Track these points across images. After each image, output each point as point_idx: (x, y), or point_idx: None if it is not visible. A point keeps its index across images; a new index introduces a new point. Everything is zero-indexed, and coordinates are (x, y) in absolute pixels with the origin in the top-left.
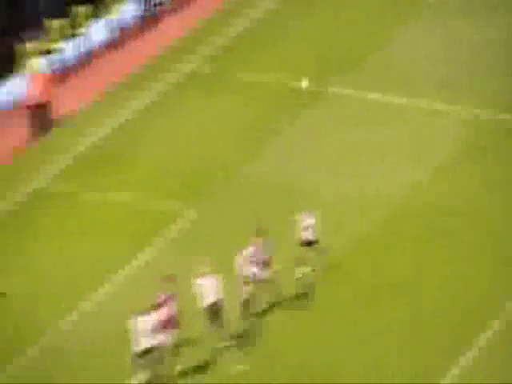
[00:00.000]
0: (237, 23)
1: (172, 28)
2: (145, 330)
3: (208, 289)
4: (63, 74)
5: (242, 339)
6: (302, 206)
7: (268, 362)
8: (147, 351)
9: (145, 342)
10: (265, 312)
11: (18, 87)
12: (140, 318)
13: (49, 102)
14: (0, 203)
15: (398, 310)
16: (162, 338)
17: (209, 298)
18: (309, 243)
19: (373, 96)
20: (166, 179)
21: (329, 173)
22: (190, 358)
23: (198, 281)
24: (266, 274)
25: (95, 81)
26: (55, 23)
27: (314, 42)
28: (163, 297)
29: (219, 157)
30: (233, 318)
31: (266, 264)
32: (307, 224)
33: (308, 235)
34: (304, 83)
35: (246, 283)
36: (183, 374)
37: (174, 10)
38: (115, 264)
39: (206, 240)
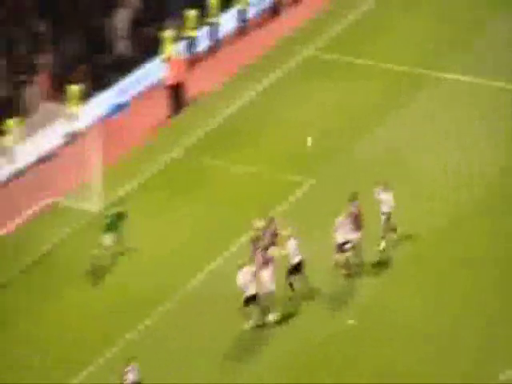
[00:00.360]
0: (351, 13)
1: (292, 18)
2: (250, 279)
3: (293, 250)
4: (196, 59)
5: (337, 298)
6: (406, 180)
7: (369, 319)
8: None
9: (251, 289)
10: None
11: (158, 70)
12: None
13: (183, 83)
14: (148, 167)
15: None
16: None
17: (294, 258)
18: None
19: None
20: (287, 154)
21: (435, 152)
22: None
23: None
24: (356, 239)
25: (223, 65)
26: (192, 13)
27: (418, 32)
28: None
29: (335, 135)
30: (327, 279)
31: (357, 230)
32: (384, 198)
33: (384, 209)
34: (309, 141)
35: (340, 247)
36: (296, 325)
37: (295, 2)
38: (240, 229)
39: (322, 209)
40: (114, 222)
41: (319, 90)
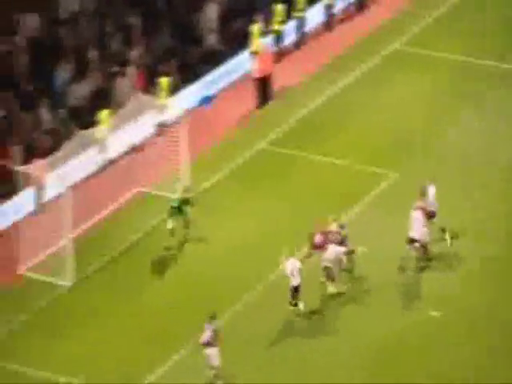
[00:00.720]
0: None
1: (378, 12)
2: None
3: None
4: (283, 52)
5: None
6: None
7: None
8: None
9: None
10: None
11: (246, 63)
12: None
13: (271, 76)
14: (234, 159)
15: None
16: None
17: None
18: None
19: None
20: (371, 146)
21: None
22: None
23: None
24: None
25: (310, 58)
26: (279, 7)
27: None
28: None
29: (417, 127)
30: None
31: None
32: (430, 193)
33: (431, 206)
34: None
35: (413, 241)
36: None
37: None
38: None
39: (405, 203)
40: (180, 208)
41: (403, 83)
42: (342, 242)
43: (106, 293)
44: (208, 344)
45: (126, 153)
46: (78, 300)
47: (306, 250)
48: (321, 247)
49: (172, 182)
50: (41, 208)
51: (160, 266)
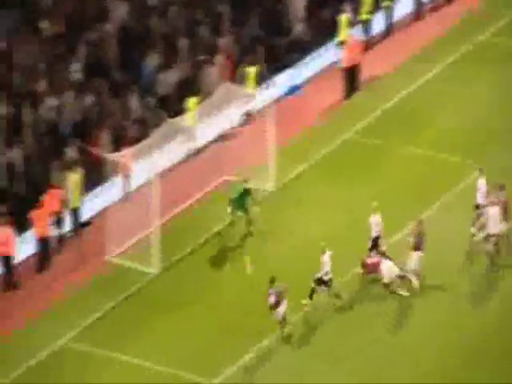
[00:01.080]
0: None
1: (467, 3)
2: None
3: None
4: (371, 42)
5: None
6: None
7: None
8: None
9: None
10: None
11: (334, 53)
12: None
13: (359, 66)
14: (320, 148)
15: None
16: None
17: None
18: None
19: None
20: (460, 137)
21: None
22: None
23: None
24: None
25: (398, 48)
26: None
27: None
28: None
29: (506, 120)
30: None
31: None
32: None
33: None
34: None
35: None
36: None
37: None
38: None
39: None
40: (240, 198)
41: (493, 73)
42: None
43: (191, 281)
44: (276, 305)
45: (213, 141)
46: (163, 288)
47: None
48: (374, 270)
49: (258, 171)
50: (128, 196)
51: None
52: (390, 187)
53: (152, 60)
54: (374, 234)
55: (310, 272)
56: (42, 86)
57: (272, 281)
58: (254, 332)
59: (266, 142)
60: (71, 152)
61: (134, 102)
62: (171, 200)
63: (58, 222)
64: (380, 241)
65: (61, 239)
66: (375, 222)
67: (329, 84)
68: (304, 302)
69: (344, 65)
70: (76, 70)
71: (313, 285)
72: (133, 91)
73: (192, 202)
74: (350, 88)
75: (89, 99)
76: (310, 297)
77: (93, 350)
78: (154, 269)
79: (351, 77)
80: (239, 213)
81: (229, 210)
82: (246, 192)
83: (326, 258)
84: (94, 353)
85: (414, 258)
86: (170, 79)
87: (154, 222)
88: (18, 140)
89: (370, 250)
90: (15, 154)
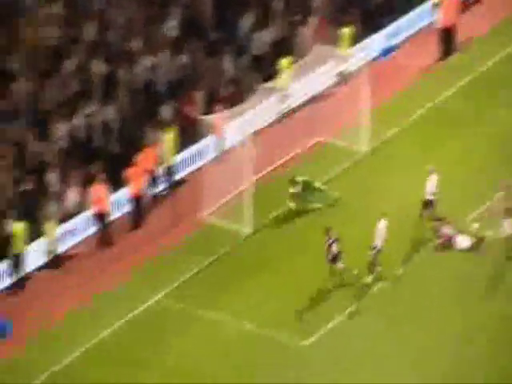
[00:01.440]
0: None
1: None
2: None
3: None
4: (466, 3)
5: None
6: None
7: None
8: None
9: None
10: None
11: (430, 13)
12: None
13: (455, 27)
14: (414, 111)
15: None
16: None
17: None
18: None
19: None
20: None
21: None
22: None
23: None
24: None
25: (493, 10)
26: None
27: None
28: None
29: None
30: None
31: None
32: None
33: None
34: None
35: None
36: None
37: None
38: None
39: None
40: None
41: None
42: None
43: (283, 243)
44: (335, 258)
45: (307, 102)
46: (255, 247)
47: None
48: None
49: (352, 133)
50: (222, 155)
51: (335, 220)
52: (488, 151)
53: (247, 20)
54: (427, 197)
55: (400, 235)
56: (137, 44)
57: (327, 231)
58: (344, 295)
59: (359, 103)
60: (166, 111)
61: (227, 62)
62: (264, 161)
63: (153, 181)
64: (433, 205)
65: (155, 198)
66: (430, 185)
67: (424, 45)
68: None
69: (440, 26)
70: (171, 29)
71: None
72: (227, 51)
73: (284, 162)
74: (446, 49)
75: (184, 59)
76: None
77: (183, 307)
78: (246, 228)
79: (447, 38)
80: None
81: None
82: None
83: (382, 225)
84: (185, 310)
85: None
86: (264, 39)
87: (246, 182)
88: (114, 99)
89: (422, 211)
90: (110, 113)
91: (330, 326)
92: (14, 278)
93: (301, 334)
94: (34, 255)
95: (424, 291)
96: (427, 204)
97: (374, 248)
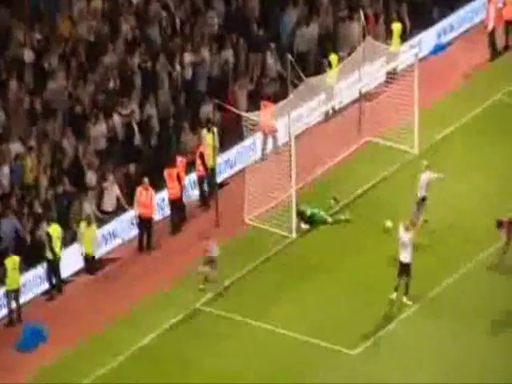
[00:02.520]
0: None
1: None
2: None
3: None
4: None
5: None
6: None
7: None
8: None
9: None
10: None
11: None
12: None
13: (509, 24)
14: (465, 111)
15: None
16: None
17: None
18: None
19: None
20: None
21: None
22: None
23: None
24: None
25: None
26: None
27: None
28: None
29: None
30: None
31: None
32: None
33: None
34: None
35: None
36: None
37: None
38: None
39: None
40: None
41: None
42: None
43: (329, 246)
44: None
45: (355, 101)
46: (301, 253)
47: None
48: None
49: (401, 133)
50: (267, 156)
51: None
52: None
53: (292, 16)
54: (421, 195)
55: (452, 237)
56: (178, 40)
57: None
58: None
59: (409, 102)
60: (207, 110)
61: (271, 58)
62: (311, 161)
63: (195, 183)
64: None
65: (196, 200)
66: (425, 181)
67: (475, 44)
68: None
69: (493, 23)
70: (214, 25)
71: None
72: (271, 47)
73: (332, 164)
74: (496, 49)
75: (227, 55)
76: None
77: (225, 314)
78: (291, 233)
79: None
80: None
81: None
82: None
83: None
84: (227, 317)
85: None
86: (309, 35)
87: (292, 184)
88: (153, 97)
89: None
90: (150, 111)
91: (379, 334)
92: (52, 283)
93: (348, 342)
94: (72, 259)
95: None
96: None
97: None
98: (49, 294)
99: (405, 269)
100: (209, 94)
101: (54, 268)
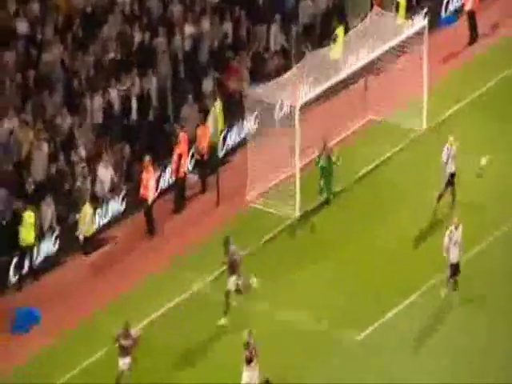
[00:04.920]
0: None
1: None
2: None
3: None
4: None
5: None
6: None
7: None
8: None
9: None
10: None
11: None
12: None
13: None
14: (474, 87)
15: None
16: None
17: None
18: None
19: None
20: None
21: None
22: None
23: None
24: None
25: None
26: None
27: None
28: None
29: None
30: None
31: None
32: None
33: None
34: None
35: None
36: None
37: None
38: None
39: None
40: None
41: None
42: None
43: (333, 226)
44: None
45: (361, 75)
46: (304, 233)
47: None
48: None
49: (408, 110)
50: (268, 133)
51: (392, 199)
52: None
53: None
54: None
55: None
56: (178, 11)
57: None
58: (402, 287)
59: (417, 77)
60: (208, 84)
61: (276, 31)
62: (314, 138)
63: (196, 161)
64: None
65: (199, 179)
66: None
67: (490, 13)
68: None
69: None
70: None
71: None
72: (276, 19)
73: (336, 141)
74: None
75: (227, 27)
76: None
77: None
78: (294, 212)
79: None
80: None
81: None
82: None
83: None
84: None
85: None
86: (315, 7)
87: (295, 161)
88: (153, 70)
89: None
90: (149, 85)
91: (385, 319)
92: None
93: (355, 326)
94: (66, 239)
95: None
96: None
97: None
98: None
99: (456, 268)
100: (210, 67)
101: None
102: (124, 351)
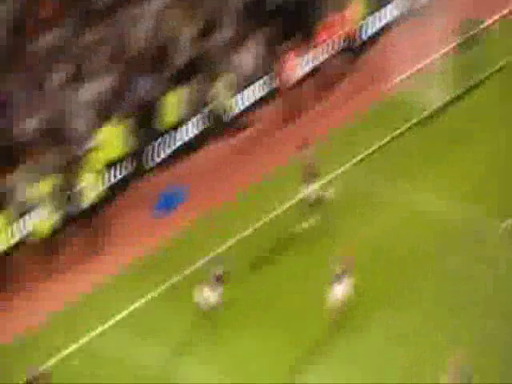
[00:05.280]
0: None
1: None
2: None
3: None
4: None
5: None
6: None
7: None
8: None
9: None
10: None
11: None
12: None
13: None
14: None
15: None
16: None
17: None
18: None
19: None
20: None
21: None
22: None
23: None
24: None
25: None
26: None
27: None
28: None
29: None
30: None
31: None
32: None
33: None
34: None
35: None
36: None
37: None
38: None
39: None
40: None
41: None
42: None
43: (482, 111)
44: None
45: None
46: (448, 118)
47: None
48: None
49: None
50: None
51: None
52: None
53: None
54: None
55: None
56: None
57: None
58: None
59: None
60: None
61: None
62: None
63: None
64: None
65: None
66: None
67: None
68: None
69: None
70: None
71: None
72: None
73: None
74: None
75: None
76: None
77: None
78: (437, 99)
79: None
80: None
81: None
82: None
83: None
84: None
85: None
86: None
87: (437, 47)
88: None
89: None
90: None
91: None
92: None
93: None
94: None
95: None
96: None
97: None
98: None
99: None
100: None
101: None
102: None
